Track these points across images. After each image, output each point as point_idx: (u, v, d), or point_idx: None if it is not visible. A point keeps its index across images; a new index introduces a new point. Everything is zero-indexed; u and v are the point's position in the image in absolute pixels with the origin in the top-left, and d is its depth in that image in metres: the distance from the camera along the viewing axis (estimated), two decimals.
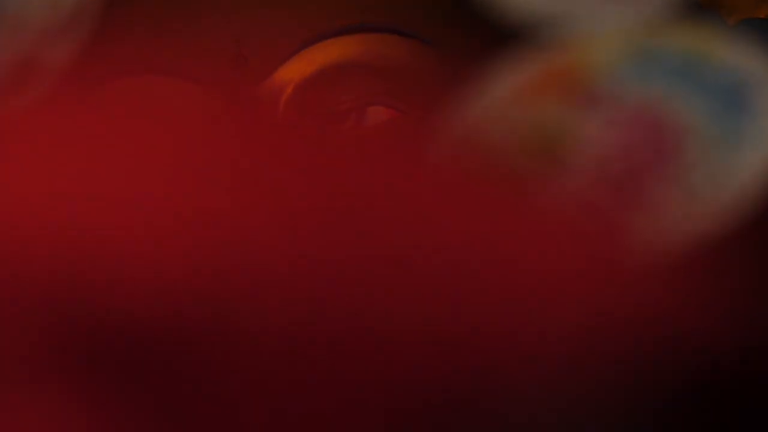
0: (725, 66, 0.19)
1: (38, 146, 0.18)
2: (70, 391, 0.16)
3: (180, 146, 0.18)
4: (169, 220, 0.17)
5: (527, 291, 0.17)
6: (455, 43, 0.40)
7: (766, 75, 0.19)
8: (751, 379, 0.19)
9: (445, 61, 0.40)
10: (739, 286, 0.16)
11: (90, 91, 0.38)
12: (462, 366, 0.17)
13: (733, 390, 0.19)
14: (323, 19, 0.39)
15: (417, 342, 0.16)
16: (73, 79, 0.21)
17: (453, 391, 0.17)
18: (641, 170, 0.18)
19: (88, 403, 0.16)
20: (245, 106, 0.31)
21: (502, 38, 0.23)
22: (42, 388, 0.16)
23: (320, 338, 0.16)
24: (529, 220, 0.17)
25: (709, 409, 0.19)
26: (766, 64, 0.19)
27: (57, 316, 0.16)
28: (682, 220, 0.17)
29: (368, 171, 0.20)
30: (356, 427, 0.17)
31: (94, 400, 0.16)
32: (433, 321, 0.17)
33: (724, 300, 0.16)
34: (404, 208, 0.18)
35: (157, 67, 0.39)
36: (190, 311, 0.16)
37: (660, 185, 0.18)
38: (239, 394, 0.16)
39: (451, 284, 0.17)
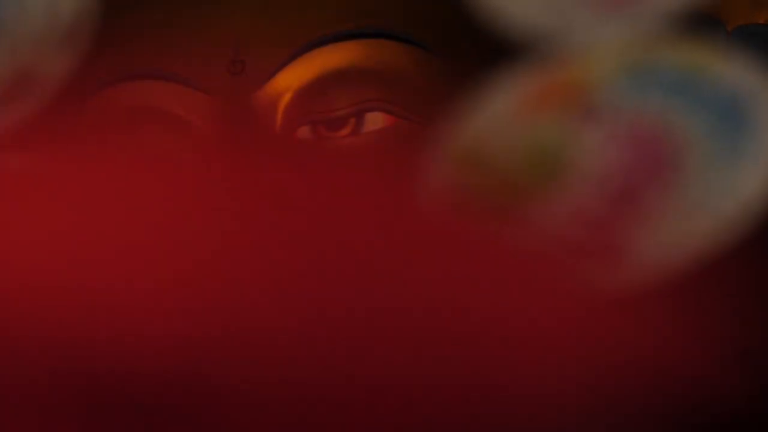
0: (725, 80, 0.19)
1: (35, 203, 0.18)
2: None
3: (176, 199, 0.18)
4: (167, 275, 0.17)
5: (528, 343, 0.17)
6: (456, 51, 0.40)
7: (765, 89, 0.19)
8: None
9: (445, 68, 0.40)
10: (740, 304, 0.16)
11: (84, 103, 0.38)
12: (464, 419, 0.17)
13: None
14: (322, 24, 0.39)
15: (416, 397, 0.16)
16: (70, 88, 0.21)
17: None
18: (640, 185, 0.18)
19: None
20: (241, 147, 0.31)
21: (502, 49, 0.23)
22: None
23: (316, 391, 0.16)
24: (526, 264, 0.17)
25: None
26: (765, 77, 0.19)
27: (56, 375, 0.16)
28: (682, 237, 0.17)
29: (364, 222, 0.19)
30: None
31: None
32: (431, 373, 0.17)
33: (723, 325, 0.16)
34: (401, 259, 0.18)
35: (155, 73, 0.39)
36: (189, 366, 0.16)
37: (659, 201, 0.18)
38: None
39: (452, 336, 0.17)
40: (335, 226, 0.18)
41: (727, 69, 0.19)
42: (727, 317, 0.18)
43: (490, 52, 0.34)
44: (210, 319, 0.16)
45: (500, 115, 0.19)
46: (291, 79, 0.39)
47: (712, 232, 0.17)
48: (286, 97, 0.39)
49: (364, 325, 0.17)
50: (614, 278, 0.17)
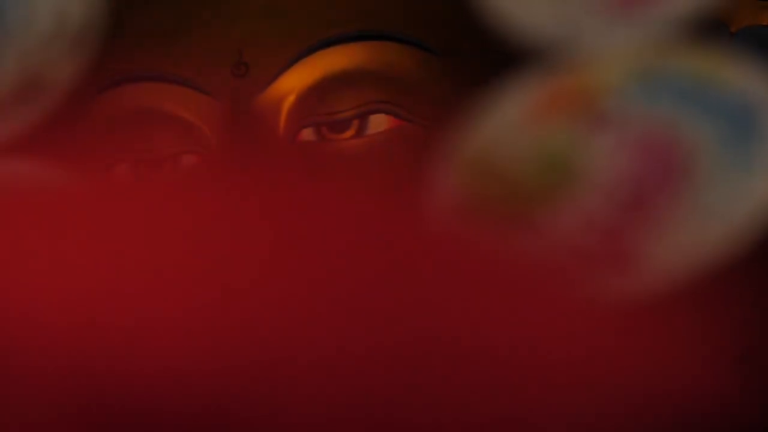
0: (735, 86, 0.19)
1: (48, 230, 0.18)
2: None
3: (192, 227, 0.18)
4: (184, 305, 0.17)
5: (536, 355, 0.16)
6: (461, 53, 0.40)
7: None
8: None
9: (450, 70, 0.40)
10: (748, 312, 0.16)
11: (88, 106, 0.37)
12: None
13: None
14: (325, 26, 0.39)
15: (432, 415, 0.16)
16: (75, 91, 0.21)
17: None
18: (650, 193, 0.18)
19: None
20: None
21: (509, 52, 0.23)
22: None
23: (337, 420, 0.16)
24: (536, 277, 0.17)
25: None
26: None
27: (71, 405, 0.15)
28: (693, 244, 0.17)
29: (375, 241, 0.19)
30: None
31: None
32: (437, 388, 0.16)
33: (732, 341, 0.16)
34: (413, 277, 0.18)
35: (158, 75, 0.39)
36: (209, 396, 0.16)
37: (669, 208, 0.18)
38: None
39: (460, 350, 0.17)
40: (350, 259, 0.18)
41: (737, 75, 0.18)
42: (735, 326, 0.18)
43: (496, 54, 0.34)
44: (232, 351, 0.16)
45: (509, 122, 0.19)
46: (294, 81, 0.39)
47: (723, 239, 0.17)
48: (290, 100, 0.39)
49: (390, 364, 0.17)
50: (625, 286, 0.17)
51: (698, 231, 0.17)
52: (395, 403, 0.16)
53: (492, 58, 0.37)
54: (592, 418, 0.16)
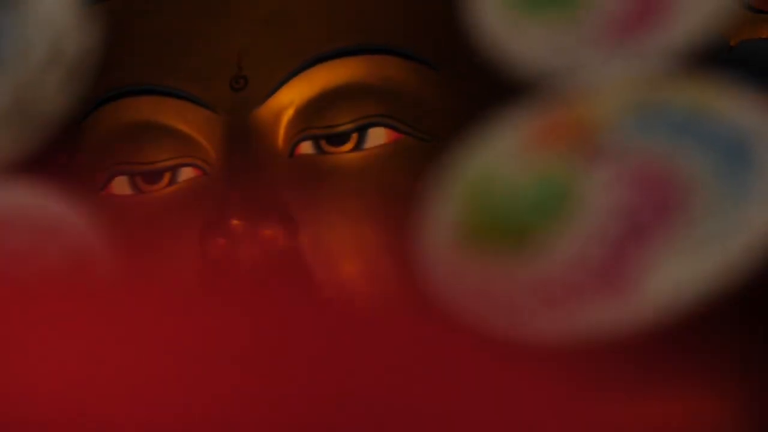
0: (730, 118, 0.19)
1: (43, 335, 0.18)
2: None
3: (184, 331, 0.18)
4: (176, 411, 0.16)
5: None
6: (459, 68, 0.40)
7: None
8: None
9: (447, 84, 0.40)
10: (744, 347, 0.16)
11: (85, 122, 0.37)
12: None
13: None
14: (324, 40, 0.39)
15: None
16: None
17: None
18: (647, 225, 0.18)
19: None
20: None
21: (509, 77, 0.23)
22: None
23: None
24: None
25: None
26: None
27: None
28: (690, 277, 0.17)
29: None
30: None
31: None
32: None
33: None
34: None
35: (157, 88, 0.39)
36: None
37: (666, 240, 0.18)
38: None
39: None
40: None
41: (731, 107, 0.18)
42: (733, 364, 0.18)
43: (495, 71, 0.34)
44: None
45: (506, 152, 0.19)
46: (294, 94, 0.39)
47: (720, 271, 0.17)
48: (289, 113, 0.39)
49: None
50: (618, 318, 0.17)
51: (694, 263, 0.17)
52: None
53: (490, 75, 0.37)
54: None
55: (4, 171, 0.18)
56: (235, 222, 0.36)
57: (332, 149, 0.39)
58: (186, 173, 0.39)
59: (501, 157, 0.18)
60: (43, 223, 0.19)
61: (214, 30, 0.40)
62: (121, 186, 0.39)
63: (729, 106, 0.18)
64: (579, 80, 0.18)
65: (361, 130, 0.39)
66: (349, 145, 0.39)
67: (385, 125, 0.39)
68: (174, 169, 0.39)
